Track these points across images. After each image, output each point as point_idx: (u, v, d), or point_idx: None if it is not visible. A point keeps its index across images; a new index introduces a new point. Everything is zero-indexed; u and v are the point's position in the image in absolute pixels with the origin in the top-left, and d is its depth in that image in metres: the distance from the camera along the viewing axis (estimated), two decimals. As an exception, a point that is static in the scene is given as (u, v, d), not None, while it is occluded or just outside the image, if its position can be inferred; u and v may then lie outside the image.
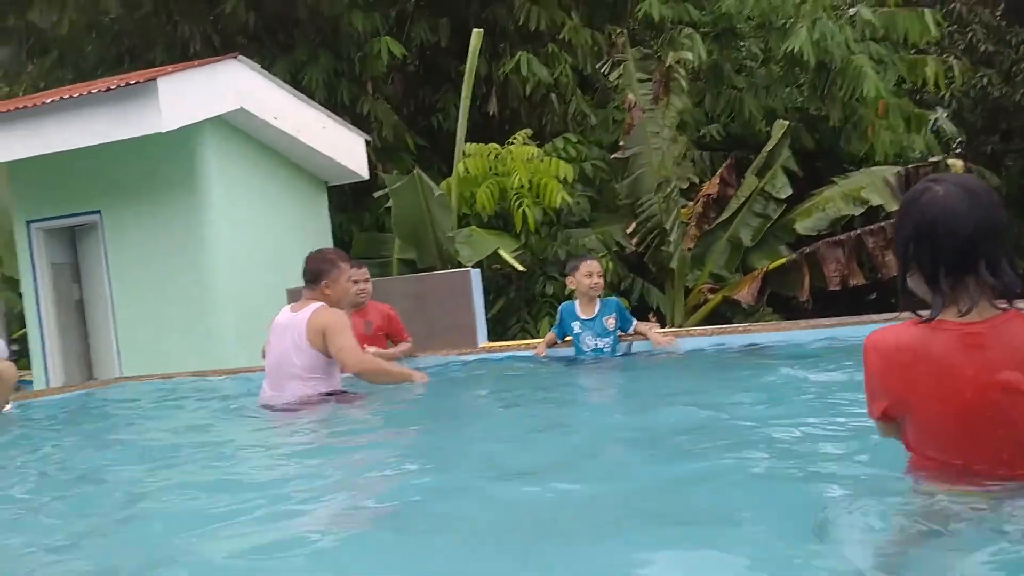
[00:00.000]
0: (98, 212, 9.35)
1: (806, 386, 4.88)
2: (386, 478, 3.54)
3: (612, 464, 3.51)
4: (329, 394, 5.27)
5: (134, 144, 8.49)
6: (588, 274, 6.56)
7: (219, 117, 9.04)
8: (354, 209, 13.30)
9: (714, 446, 3.52)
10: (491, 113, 13.95)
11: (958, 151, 16.53)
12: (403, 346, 6.90)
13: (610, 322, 6.55)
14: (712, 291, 11.34)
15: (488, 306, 10.74)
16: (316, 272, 5.36)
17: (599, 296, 6.62)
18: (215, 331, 9.07)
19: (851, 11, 12.74)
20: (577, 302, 6.66)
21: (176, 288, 9.14)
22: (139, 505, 3.35)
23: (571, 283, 6.71)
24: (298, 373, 5.22)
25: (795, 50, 11.71)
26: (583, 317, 6.59)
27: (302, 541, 2.66)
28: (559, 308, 6.89)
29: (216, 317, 9.10)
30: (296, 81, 12.74)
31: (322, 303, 5.29)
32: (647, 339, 6.61)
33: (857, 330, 6.31)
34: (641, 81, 11.30)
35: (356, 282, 6.59)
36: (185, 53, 13.95)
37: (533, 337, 10.31)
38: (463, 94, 10.64)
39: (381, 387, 5.45)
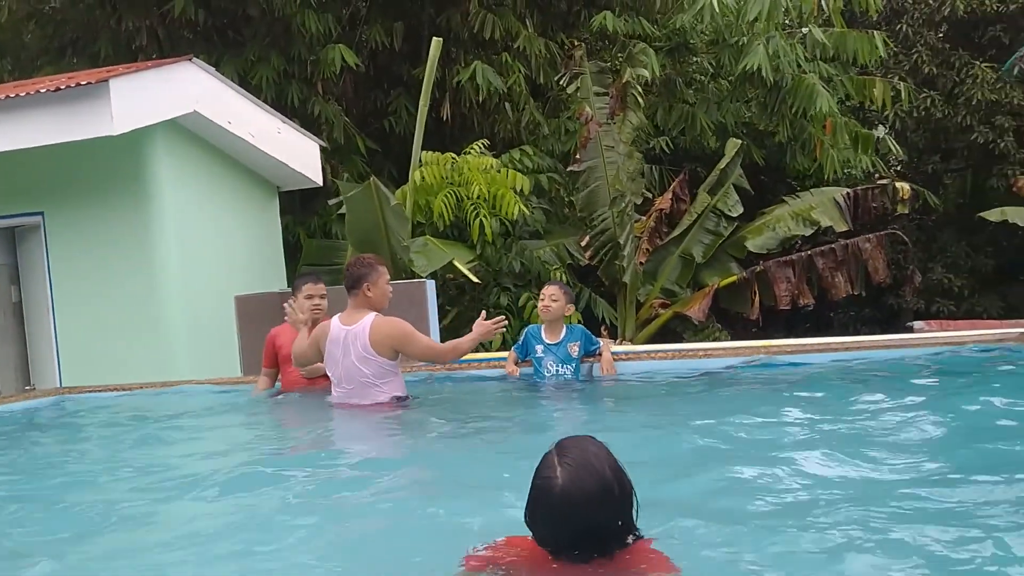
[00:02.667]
0: (41, 213, 9.03)
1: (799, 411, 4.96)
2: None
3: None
4: (401, 399, 5.69)
5: (82, 145, 8.21)
6: (542, 296, 6.57)
7: (172, 120, 8.80)
8: (301, 212, 13.09)
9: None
10: (444, 118, 13.85)
11: (899, 169, 16.88)
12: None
13: (574, 349, 6.51)
14: (663, 306, 11.41)
15: (441, 317, 10.66)
16: (357, 277, 5.63)
17: (557, 323, 6.57)
18: (162, 339, 8.83)
19: (803, 30, 12.91)
20: (543, 326, 6.61)
21: (122, 294, 8.87)
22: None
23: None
24: (370, 381, 5.56)
25: (753, 67, 11.83)
26: (548, 342, 6.54)
27: None
28: (525, 329, 6.85)
29: (163, 324, 8.86)
30: (245, 81, 12.48)
31: (376, 313, 5.61)
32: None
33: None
34: (598, 95, 11.31)
35: (311, 297, 6.57)
36: (130, 47, 13.58)
37: (486, 350, 10.25)
38: (421, 102, 10.54)
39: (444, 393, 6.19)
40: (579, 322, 11.15)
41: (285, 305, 6.31)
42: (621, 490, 2.34)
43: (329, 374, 5.76)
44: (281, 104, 12.60)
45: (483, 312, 6.19)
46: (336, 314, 5.80)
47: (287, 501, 3.69)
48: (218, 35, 13.82)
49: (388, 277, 5.84)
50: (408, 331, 5.66)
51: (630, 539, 2.38)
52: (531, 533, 2.39)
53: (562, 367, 6.50)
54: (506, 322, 5.97)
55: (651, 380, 6.50)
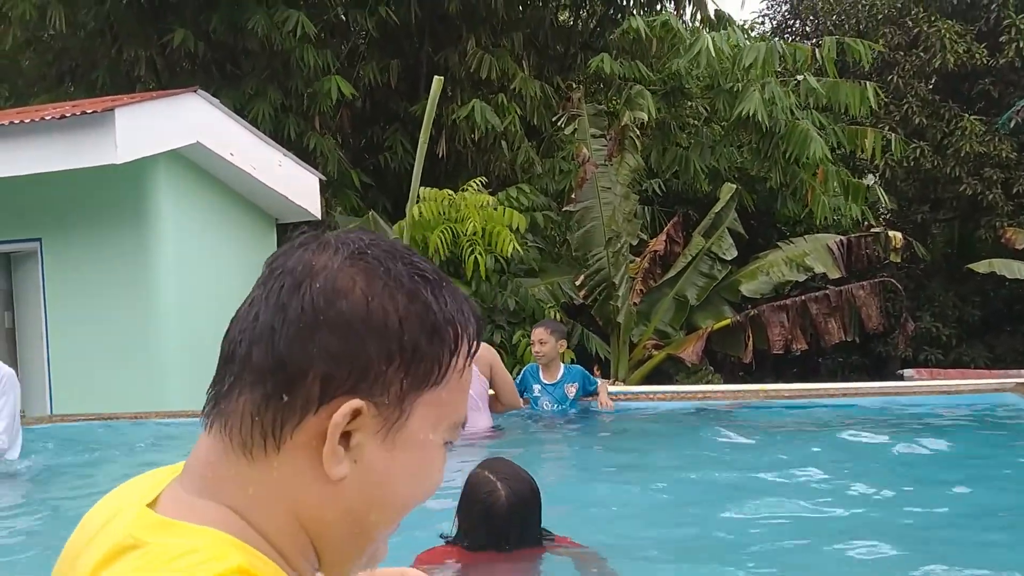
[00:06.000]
0: (39, 240, 9.01)
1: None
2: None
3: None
4: (494, 427, 5.88)
5: (84, 173, 8.22)
6: (532, 341, 6.62)
7: (174, 150, 8.82)
8: (298, 246, 13.08)
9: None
10: (439, 155, 13.93)
11: (888, 218, 17.03)
12: None
13: (571, 390, 6.55)
14: (656, 347, 11.43)
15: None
16: None
17: (553, 364, 6.60)
18: (156, 368, 8.79)
19: (798, 78, 13.10)
20: (540, 366, 6.63)
21: (117, 322, 8.83)
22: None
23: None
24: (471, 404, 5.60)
25: (748, 112, 11.97)
26: (545, 382, 6.58)
27: None
28: (524, 368, 6.88)
29: (158, 353, 8.82)
30: (242, 114, 12.53)
31: None
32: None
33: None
34: (595, 136, 11.40)
35: None
36: (129, 77, 13.64)
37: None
38: (420, 139, 10.59)
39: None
40: (572, 360, 11.20)
41: None
42: (539, 494, 2.96)
43: None
44: (278, 137, 12.64)
45: None
46: None
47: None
48: (216, 68, 13.90)
49: None
50: (500, 359, 6.12)
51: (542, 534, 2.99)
52: (466, 541, 2.89)
53: (557, 407, 6.54)
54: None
55: (643, 417, 6.57)
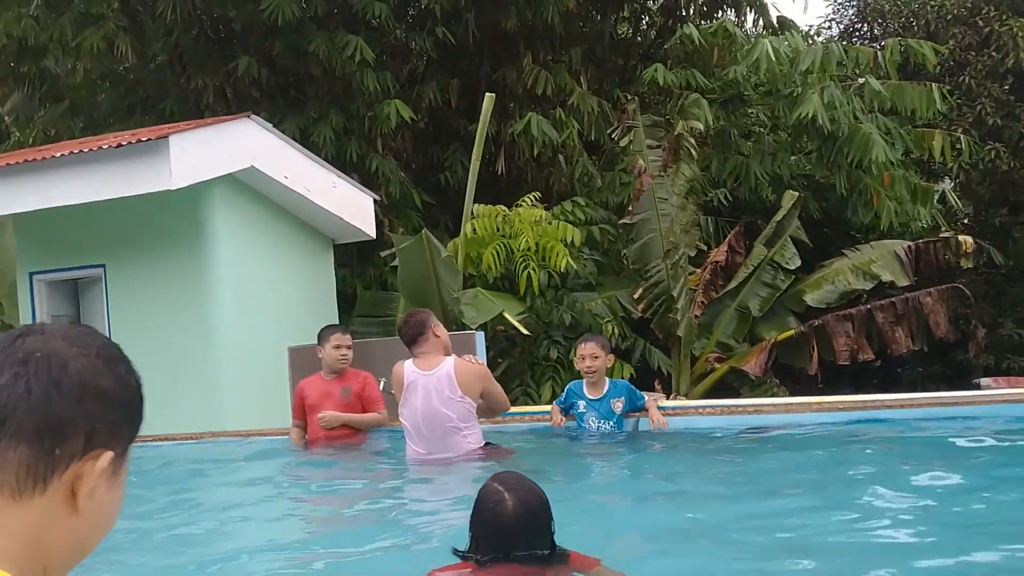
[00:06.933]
0: (102, 266, 9.28)
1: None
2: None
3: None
4: (486, 445, 5.69)
5: (143, 199, 8.43)
6: (581, 357, 6.48)
7: (230, 174, 9.00)
8: (359, 264, 13.26)
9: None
10: (499, 172, 13.98)
11: (966, 222, 16.50)
12: (375, 416, 6.89)
13: (617, 405, 6.42)
14: (719, 360, 11.23)
15: (493, 368, 10.62)
16: (420, 322, 5.71)
17: (600, 379, 6.49)
18: (216, 389, 8.95)
19: (859, 81, 12.79)
20: (584, 381, 6.54)
21: (177, 345, 9.02)
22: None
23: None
24: (456, 426, 5.52)
25: (807, 116, 11.72)
26: (590, 397, 6.47)
27: None
28: (567, 386, 6.80)
29: (217, 375, 8.98)
30: (305, 137, 12.77)
31: (453, 355, 5.66)
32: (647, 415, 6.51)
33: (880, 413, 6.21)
34: (651, 147, 11.30)
35: (338, 347, 6.84)
36: (198, 105, 14.01)
37: (534, 402, 10.20)
38: (473, 156, 10.65)
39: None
40: (632, 376, 11.07)
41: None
42: (548, 505, 3.00)
43: (404, 423, 5.70)
44: (340, 160, 12.85)
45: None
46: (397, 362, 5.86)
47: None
48: (281, 94, 14.19)
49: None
50: (488, 371, 5.91)
51: (553, 550, 2.99)
52: (478, 554, 2.94)
53: (604, 423, 6.42)
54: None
55: (699, 435, 6.39)
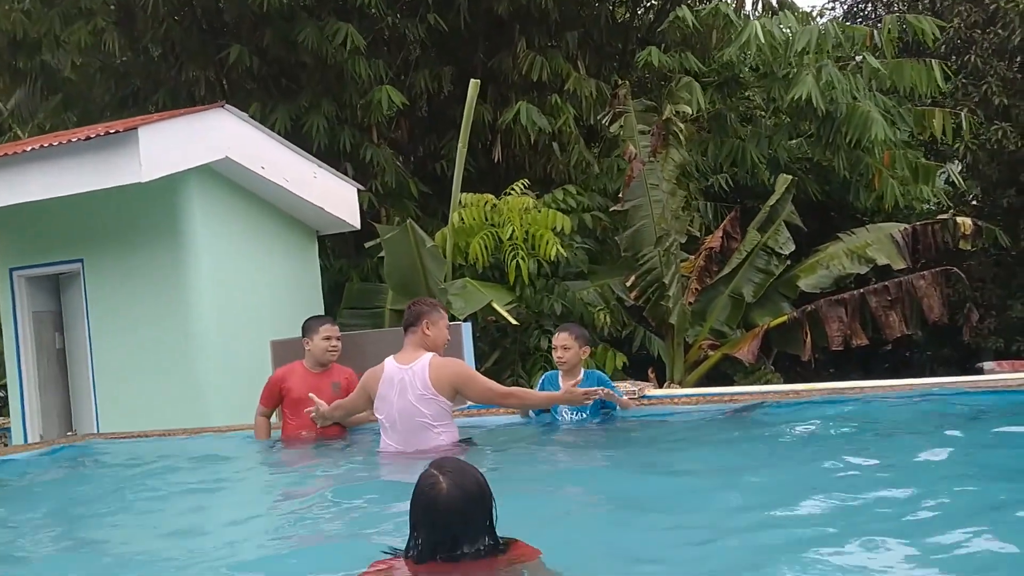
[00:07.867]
0: (80, 260, 9.19)
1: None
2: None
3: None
4: (461, 442, 5.57)
5: (117, 192, 8.33)
6: (555, 347, 6.36)
7: (205, 166, 8.88)
8: (356, 255, 13.14)
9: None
10: (496, 160, 13.81)
11: (974, 203, 16.19)
12: (367, 414, 6.68)
13: None
14: (712, 347, 11.05)
15: (483, 359, 10.51)
16: (417, 314, 5.58)
17: (574, 369, 6.33)
18: (196, 384, 8.85)
19: (857, 59, 12.52)
20: (560, 372, 6.40)
21: (157, 339, 8.93)
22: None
23: None
24: (428, 423, 5.43)
25: (802, 97, 11.46)
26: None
27: None
28: (542, 376, 6.68)
29: (197, 369, 8.88)
30: (298, 127, 12.64)
31: (433, 353, 5.53)
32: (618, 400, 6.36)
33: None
34: (642, 133, 11.09)
35: (328, 338, 6.72)
36: (191, 97, 13.90)
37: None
38: (460, 144, 10.50)
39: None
40: (624, 365, 10.92)
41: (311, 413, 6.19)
42: (489, 492, 2.86)
43: (379, 417, 5.62)
44: (334, 150, 12.71)
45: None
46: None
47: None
48: (273, 83, 14.06)
49: (447, 322, 5.79)
50: (469, 370, 5.73)
51: (495, 542, 2.85)
52: (414, 549, 2.82)
53: (577, 414, 6.30)
54: (599, 395, 5.95)
55: (677, 425, 6.25)
